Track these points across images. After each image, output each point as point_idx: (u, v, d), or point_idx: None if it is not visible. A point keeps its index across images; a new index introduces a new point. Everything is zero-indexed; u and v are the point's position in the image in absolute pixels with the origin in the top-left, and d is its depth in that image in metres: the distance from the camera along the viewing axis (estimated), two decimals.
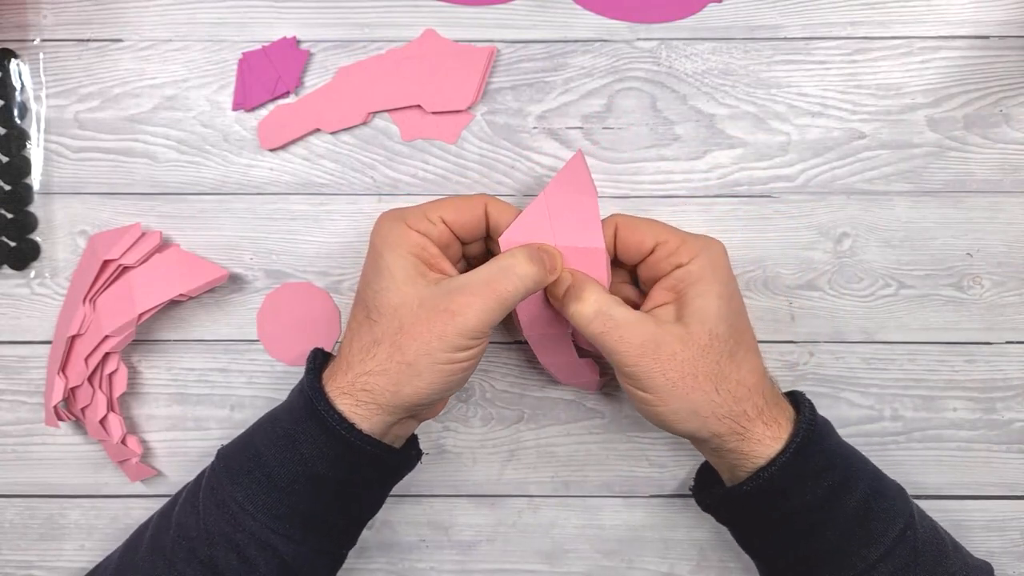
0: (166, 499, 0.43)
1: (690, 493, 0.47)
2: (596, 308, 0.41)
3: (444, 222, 0.42)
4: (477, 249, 0.46)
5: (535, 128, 0.49)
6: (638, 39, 0.49)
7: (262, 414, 0.43)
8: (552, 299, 0.43)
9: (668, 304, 0.42)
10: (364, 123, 0.49)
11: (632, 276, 0.46)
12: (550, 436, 0.51)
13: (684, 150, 0.49)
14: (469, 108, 0.49)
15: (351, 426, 0.40)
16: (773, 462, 0.41)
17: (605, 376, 0.49)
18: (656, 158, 0.49)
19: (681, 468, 0.50)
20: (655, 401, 0.41)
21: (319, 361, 0.43)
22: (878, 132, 0.49)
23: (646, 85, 0.49)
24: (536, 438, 0.50)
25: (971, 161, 0.49)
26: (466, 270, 0.42)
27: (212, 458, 0.43)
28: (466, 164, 0.49)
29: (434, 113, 0.49)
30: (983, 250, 0.50)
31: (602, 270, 0.43)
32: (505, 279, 0.40)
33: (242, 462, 0.41)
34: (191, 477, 0.44)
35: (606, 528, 0.51)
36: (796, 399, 0.44)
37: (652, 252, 0.43)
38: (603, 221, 0.43)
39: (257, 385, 0.50)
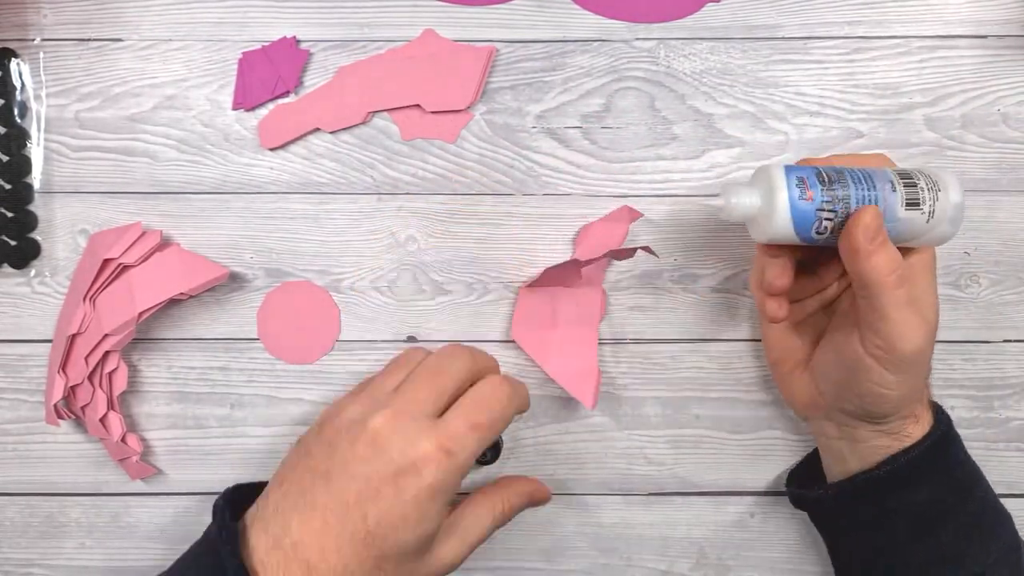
0: (166, 497, 0.43)
1: (690, 491, 0.47)
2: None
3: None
4: None
5: (534, 127, 0.50)
6: (637, 39, 0.49)
7: (260, 413, 0.42)
8: (859, 234, 0.38)
9: None
10: (364, 123, 0.49)
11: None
12: (549, 434, 0.51)
13: (682, 149, 0.50)
14: (468, 108, 0.49)
15: None
16: (912, 448, 0.41)
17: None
18: (655, 157, 0.50)
19: (680, 466, 0.50)
20: (894, 385, 0.40)
21: (233, 529, 0.38)
22: (876, 131, 0.49)
23: (644, 85, 0.49)
24: (535, 436, 0.51)
25: (969, 160, 0.49)
26: None
27: (211, 456, 0.42)
28: (465, 163, 0.50)
29: (434, 112, 0.49)
30: (981, 249, 0.50)
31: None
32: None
33: None
34: (191, 475, 0.43)
35: (605, 526, 0.51)
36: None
37: None
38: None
39: (257, 383, 0.50)
